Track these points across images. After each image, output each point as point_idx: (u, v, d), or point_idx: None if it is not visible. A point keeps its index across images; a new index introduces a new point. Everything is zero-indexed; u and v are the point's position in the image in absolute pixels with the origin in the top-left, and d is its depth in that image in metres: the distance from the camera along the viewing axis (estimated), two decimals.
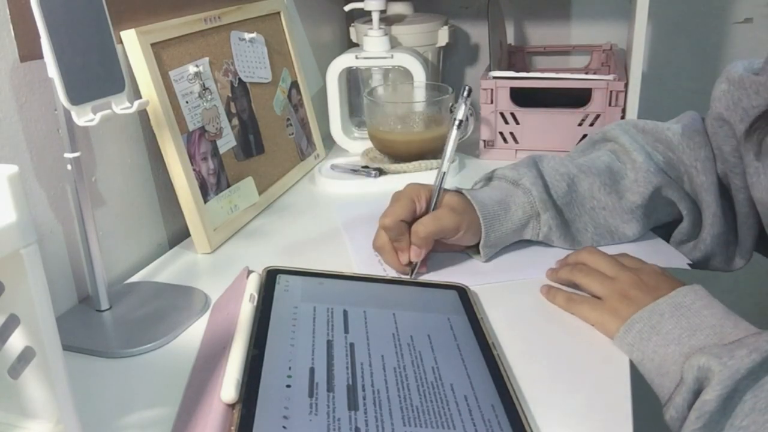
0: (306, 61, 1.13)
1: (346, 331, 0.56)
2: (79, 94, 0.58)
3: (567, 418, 0.50)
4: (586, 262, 0.67)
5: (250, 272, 0.64)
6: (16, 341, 0.40)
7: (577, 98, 1.01)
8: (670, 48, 1.25)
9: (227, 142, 0.86)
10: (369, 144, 1.07)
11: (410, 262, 0.70)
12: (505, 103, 1.04)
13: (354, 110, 1.19)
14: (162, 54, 0.77)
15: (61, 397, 0.40)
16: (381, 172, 0.99)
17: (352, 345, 0.55)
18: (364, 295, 0.63)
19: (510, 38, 1.31)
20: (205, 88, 0.83)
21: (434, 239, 0.70)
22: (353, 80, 1.17)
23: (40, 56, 0.56)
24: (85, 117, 0.59)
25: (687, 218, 0.76)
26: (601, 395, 0.53)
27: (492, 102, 1.04)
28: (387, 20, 1.16)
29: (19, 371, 0.41)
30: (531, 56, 1.31)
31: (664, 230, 0.79)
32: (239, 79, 0.90)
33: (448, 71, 1.35)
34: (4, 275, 0.38)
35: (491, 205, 0.72)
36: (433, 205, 0.71)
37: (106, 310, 0.67)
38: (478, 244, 0.72)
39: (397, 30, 1.15)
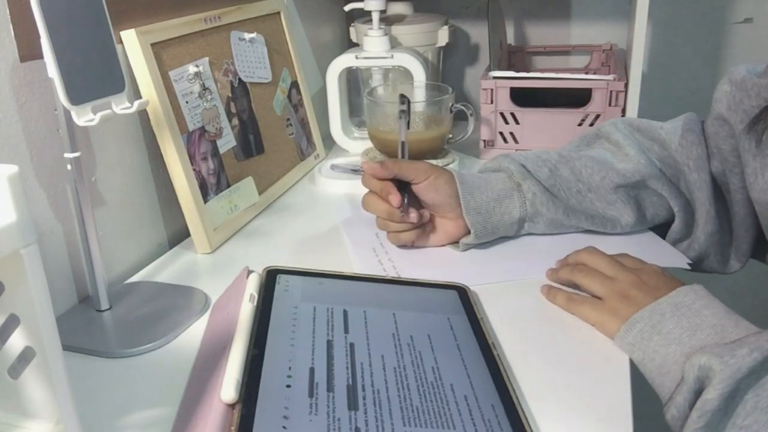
0: (306, 61, 1.13)
1: (346, 331, 0.56)
2: (79, 94, 0.58)
3: (567, 418, 0.50)
4: (586, 263, 0.67)
5: (250, 272, 0.64)
6: (16, 341, 0.40)
7: (577, 98, 1.01)
8: (670, 48, 1.25)
9: (227, 142, 0.86)
10: (369, 144, 1.07)
11: (401, 204, 0.72)
12: (505, 103, 1.04)
13: (354, 110, 1.19)
14: (162, 54, 0.77)
15: (61, 397, 0.40)
16: None
17: (352, 345, 0.54)
18: (364, 295, 0.63)
19: (510, 38, 1.31)
20: (205, 88, 0.83)
21: (414, 174, 0.73)
22: (353, 80, 1.17)
23: (40, 56, 0.56)
24: (85, 117, 0.59)
25: (678, 215, 0.77)
26: (601, 395, 0.53)
27: (492, 102, 1.04)
28: (387, 20, 1.16)
29: (19, 371, 0.41)
30: (531, 56, 1.31)
31: (659, 231, 0.79)
32: (239, 79, 0.90)
33: (448, 71, 1.35)
34: (4, 275, 0.38)
35: (469, 176, 0.76)
36: (399, 154, 0.82)
37: (106, 310, 0.67)
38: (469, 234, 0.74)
39: (397, 30, 1.15)
